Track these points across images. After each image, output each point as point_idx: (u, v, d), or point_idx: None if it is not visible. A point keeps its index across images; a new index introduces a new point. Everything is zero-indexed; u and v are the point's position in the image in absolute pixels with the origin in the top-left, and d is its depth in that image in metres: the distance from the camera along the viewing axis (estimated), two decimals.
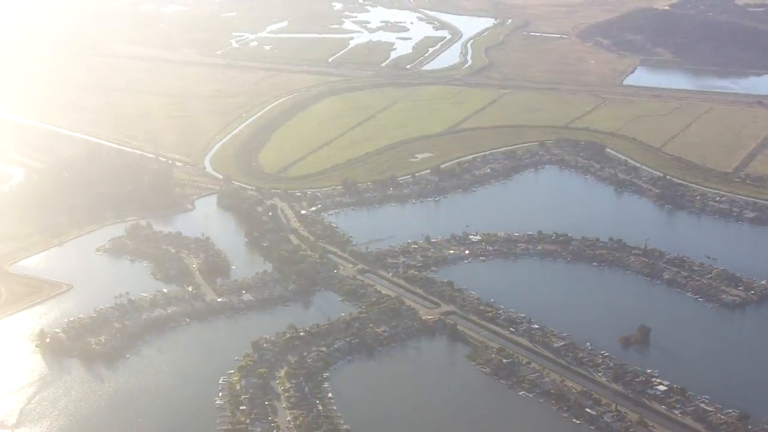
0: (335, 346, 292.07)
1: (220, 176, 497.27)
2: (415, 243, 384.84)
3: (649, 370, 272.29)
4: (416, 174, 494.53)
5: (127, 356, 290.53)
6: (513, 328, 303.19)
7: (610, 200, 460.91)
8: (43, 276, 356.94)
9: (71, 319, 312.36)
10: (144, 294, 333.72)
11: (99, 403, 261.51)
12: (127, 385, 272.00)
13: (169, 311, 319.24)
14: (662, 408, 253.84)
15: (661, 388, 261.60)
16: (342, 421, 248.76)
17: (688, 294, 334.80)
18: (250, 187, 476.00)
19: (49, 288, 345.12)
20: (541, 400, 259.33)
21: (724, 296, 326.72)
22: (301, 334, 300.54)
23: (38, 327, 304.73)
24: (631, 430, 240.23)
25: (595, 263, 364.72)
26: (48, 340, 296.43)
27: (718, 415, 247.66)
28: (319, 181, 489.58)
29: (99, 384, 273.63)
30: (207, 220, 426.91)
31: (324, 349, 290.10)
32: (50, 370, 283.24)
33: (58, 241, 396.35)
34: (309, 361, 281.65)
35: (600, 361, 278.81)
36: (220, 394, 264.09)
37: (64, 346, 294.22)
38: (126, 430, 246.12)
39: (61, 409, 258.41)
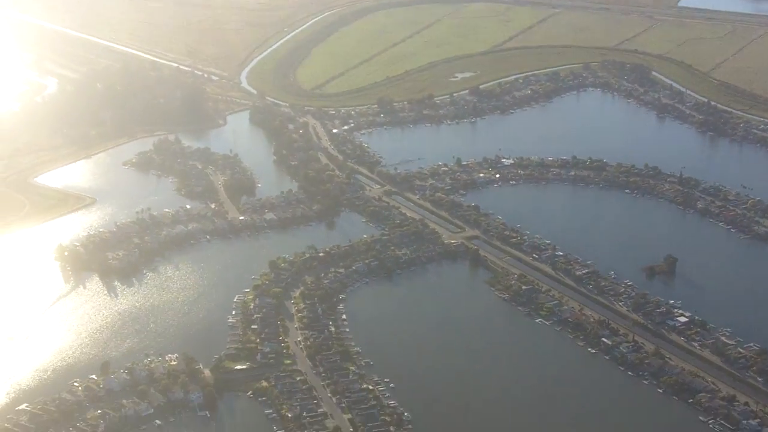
0: (353, 268, 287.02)
1: (255, 92, 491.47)
2: (446, 165, 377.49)
3: (672, 301, 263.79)
4: (454, 94, 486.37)
5: (144, 272, 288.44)
6: (536, 254, 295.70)
7: (651, 126, 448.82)
8: (68, 189, 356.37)
9: (91, 233, 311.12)
10: (167, 210, 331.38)
11: (112, 317, 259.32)
12: (141, 300, 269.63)
13: (189, 228, 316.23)
14: (681, 340, 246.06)
15: (682, 319, 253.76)
16: (353, 343, 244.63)
17: (720, 224, 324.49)
18: (284, 104, 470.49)
19: (73, 201, 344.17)
20: (557, 328, 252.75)
21: (757, 227, 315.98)
22: (321, 255, 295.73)
23: (59, 240, 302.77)
24: (646, 361, 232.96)
25: (628, 190, 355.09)
26: (67, 253, 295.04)
27: (738, 349, 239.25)
28: (355, 99, 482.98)
29: (113, 299, 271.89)
30: (237, 136, 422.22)
31: (342, 270, 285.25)
32: (67, 283, 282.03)
33: (85, 154, 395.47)
34: (325, 282, 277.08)
35: (622, 290, 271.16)
36: (233, 312, 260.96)
37: (82, 260, 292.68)
38: (137, 345, 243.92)
39: (73, 322, 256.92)
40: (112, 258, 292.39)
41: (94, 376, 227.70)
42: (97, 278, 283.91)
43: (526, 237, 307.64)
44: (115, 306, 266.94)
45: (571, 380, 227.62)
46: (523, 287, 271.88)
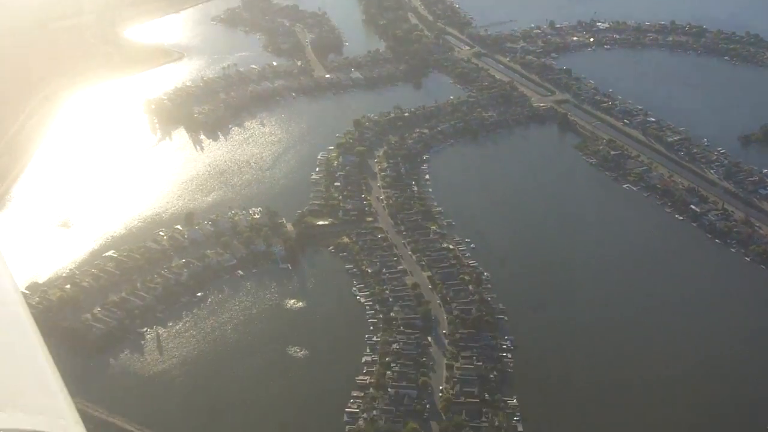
0: (438, 128, 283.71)
1: None
2: (538, 28, 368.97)
3: (765, 170, 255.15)
4: None
5: (230, 127, 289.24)
6: (627, 119, 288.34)
7: None
8: (156, 43, 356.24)
9: (178, 86, 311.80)
10: (253, 66, 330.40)
11: (197, 170, 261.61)
12: (226, 154, 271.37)
13: (275, 85, 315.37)
14: None
15: None
16: (435, 203, 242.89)
17: None
18: None
19: (161, 55, 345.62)
20: (645, 194, 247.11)
21: None
22: (406, 115, 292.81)
23: (147, 92, 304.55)
24: (735, 229, 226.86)
25: (727, 57, 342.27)
26: (154, 106, 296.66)
27: None
28: None
29: (199, 152, 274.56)
30: None
31: (426, 131, 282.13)
32: (154, 135, 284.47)
33: (174, 9, 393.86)
34: (409, 142, 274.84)
35: (714, 157, 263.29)
36: (317, 169, 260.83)
37: (169, 113, 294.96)
38: (221, 198, 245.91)
39: (160, 174, 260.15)
40: (199, 112, 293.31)
41: (179, 227, 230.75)
42: (184, 131, 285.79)
43: (617, 102, 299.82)
44: (200, 159, 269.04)
45: (657, 245, 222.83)
46: (612, 152, 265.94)
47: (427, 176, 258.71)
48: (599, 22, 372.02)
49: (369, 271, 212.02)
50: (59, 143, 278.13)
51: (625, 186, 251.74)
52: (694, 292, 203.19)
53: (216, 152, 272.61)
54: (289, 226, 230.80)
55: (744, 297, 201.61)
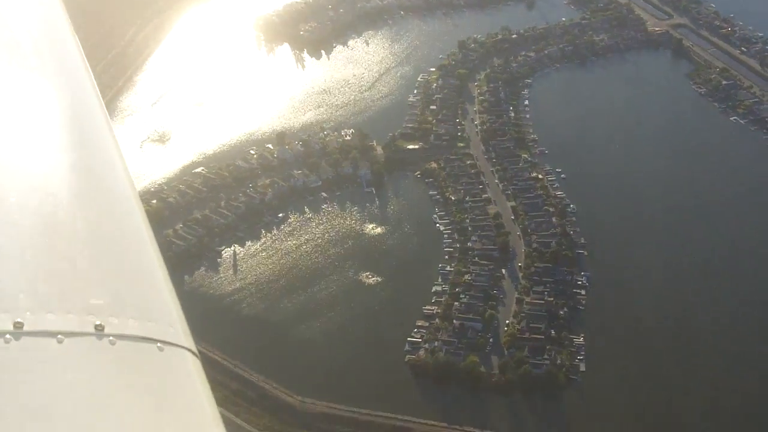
0: (545, 52, 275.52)
1: None
2: None
3: None
4: None
5: (334, 45, 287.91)
6: (745, 47, 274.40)
7: None
8: None
9: (288, 2, 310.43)
10: None
11: (295, 88, 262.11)
12: (326, 73, 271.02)
13: (384, 2, 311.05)
14: None
15: None
16: (531, 130, 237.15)
17: None
18: None
19: None
20: (752, 128, 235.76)
21: None
22: (514, 36, 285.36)
23: (257, 9, 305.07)
24: None
25: None
26: (262, 23, 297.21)
27: None
28: None
29: (300, 70, 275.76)
30: None
31: (533, 54, 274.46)
32: (259, 52, 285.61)
33: None
34: (513, 65, 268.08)
35: None
36: (415, 91, 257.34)
37: (277, 30, 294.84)
38: (316, 118, 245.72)
39: (258, 92, 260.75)
40: (304, 30, 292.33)
41: (270, 146, 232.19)
42: (288, 48, 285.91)
43: (737, 28, 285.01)
44: (300, 77, 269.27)
45: (756, 185, 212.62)
46: (724, 82, 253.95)
47: (527, 102, 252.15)
48: None
49: (452, 198, 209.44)
50: (166, 58, 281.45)
51: (732, 118, 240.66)
52: None
53: (317, 71, 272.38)
54: (379, 149, 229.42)
55: None
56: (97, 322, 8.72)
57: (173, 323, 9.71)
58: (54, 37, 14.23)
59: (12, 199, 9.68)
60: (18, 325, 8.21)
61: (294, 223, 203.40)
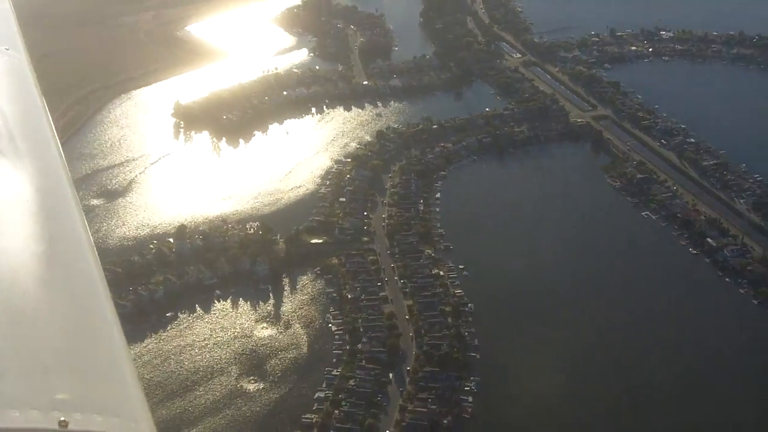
0: (463, 143, 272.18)
1: None
2: (597, 36, 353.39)
3: None
4: None
5: (254, 133, 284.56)
6: (665, 140, 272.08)
7: None
8: (206, 43, 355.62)
9: (214, 90, 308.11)
10: (295, 70, 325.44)
11: (208, 177, 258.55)
12: (241, 163, 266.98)
13: (310, 91, 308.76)
14: None
15: None
16: (438, 225, 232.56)
17: None
18: None
19: (208, 55, 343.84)
20: (663, 224, 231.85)
21: None
22: (434, 127, 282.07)
23: (181, 95, 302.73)
24: (748, 267, 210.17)
25: None
26: (183, 110, 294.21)
27: None
28: None
29: (216, 159, 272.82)
30: None
31: (450, 145, 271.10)
32: (176, 140, 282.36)
33: (234, 7, 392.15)
34: (430, 156, 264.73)
35: (747, 186, 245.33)
36: (327, 182, 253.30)
37: (197, 117, 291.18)
38: (224, 209, 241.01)
39: (168, 181, 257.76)
40: (226, 117, 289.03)
41: (171, 240, 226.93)
42: (207, 136, 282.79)
43: (659, 120, 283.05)
44: (215, 167, 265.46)
45: (660, 283, 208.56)
46: (638, 176, 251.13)
47: (438, 195, 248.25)
48: (663, 30, 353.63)
49: (349, 296, 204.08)
50: (80, 146, 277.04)
51: (644, 213, 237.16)
52: (685, 334, 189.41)
53: (233, 159, 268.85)
54: (281, 243, 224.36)
55: (739, 343, 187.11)
56: (62, 418, 8.72)
57: (138, 418, 9.71)
58: (27, 121, 15.01)
59: None
60: None
61: (182, 322, 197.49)
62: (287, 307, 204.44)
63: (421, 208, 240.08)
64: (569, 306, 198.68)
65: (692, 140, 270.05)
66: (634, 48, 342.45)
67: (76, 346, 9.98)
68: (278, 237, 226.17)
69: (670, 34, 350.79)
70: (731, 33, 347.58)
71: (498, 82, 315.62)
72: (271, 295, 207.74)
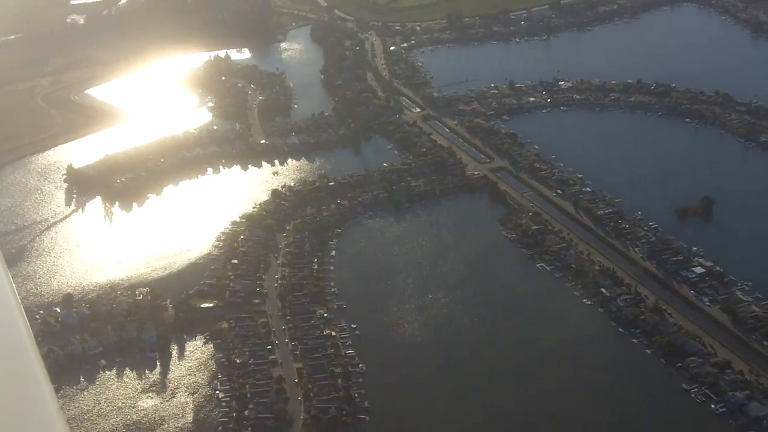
0: (360, 199, 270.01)
1: (325, 4, 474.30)
2: (496, 88, 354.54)
3: (695, 248, 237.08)
4: (533, 9, 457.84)
5: (148, 197, 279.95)
6: (561, 190, 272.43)
7: (741, 47, 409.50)
8: (107, 106, 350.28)
9: (109, 153, 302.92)
10: (192, 131, 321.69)
11: (97, 244, 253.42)
12: (133, 227, 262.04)
13: (207, 151, 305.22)
14: (691, 294, 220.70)
15: (698, 270, 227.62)
16: (332, 284, 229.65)
17: None
18: (351, 18, 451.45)
19: (105, 119, 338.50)
20: (558, 275, 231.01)
21: None
22: (330, 184, 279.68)
23: (75, 159, 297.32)
24: (641, 317, 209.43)
25: (688, 119, 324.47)
26: (76, 175, 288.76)
27: (752, 306, 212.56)
28: (427, 14, 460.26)
29: (108, 224, 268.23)
30: (293, 53, 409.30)
31: (346, 202, 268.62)
32: (67, 207, 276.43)
33: (135, 70, 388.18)
34: (326, 214, 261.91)
35: (642, 234, 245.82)
36: (220, 244, 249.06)
37: (89, 183, 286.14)
38: (114, 276, 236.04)
39: (57, 249, 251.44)
40: (119, 181, 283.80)
41: (57, 309, 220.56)
42: (99, 201, 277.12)
43: (555, 170, 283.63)
44: (105, 232, 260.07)
45: (553, 334, 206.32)
46: (533, 227, 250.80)
47: (333, 253, 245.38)
48: (562, 81, 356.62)
49: (237, 361, 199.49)
50: None
51: (539, 265, 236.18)
52: (583, 385, 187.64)
53: (124, 224, 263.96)
54: (171, 309, 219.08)
55: (632, 396, 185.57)
56: None
57: None
58: None
59: None
60: None
61: (65, 395, 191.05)
62: (174, 374, 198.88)
63: (315, 267, 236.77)
64: (463, 364, 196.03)
65: (588, 189, 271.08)
66: (532, 99, 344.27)
67: None
68: (168, 302, 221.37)
69: (569, 84, 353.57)
70: (629, 81, 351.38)
71: (396, 136, 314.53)
72: (158, 362, 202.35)
